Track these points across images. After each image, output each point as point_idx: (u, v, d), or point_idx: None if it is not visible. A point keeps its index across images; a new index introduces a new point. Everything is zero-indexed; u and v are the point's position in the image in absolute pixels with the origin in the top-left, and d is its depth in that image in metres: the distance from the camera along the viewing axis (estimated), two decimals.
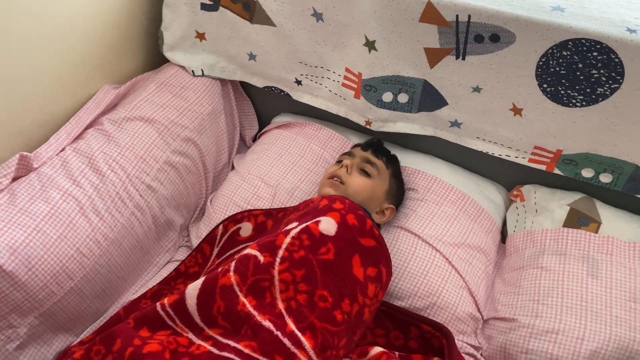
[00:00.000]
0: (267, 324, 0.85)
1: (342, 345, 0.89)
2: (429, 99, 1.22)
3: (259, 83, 1.40)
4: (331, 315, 0.89)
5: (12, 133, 1.08)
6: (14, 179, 1.05)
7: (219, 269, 0.93)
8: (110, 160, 1.13)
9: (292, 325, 0.86)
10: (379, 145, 1.25)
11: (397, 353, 0.98)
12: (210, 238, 1.21)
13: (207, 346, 0.86)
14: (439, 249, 1.14)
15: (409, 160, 1.32)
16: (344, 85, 1.28)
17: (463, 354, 1.03)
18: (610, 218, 1.13)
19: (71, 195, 1.06)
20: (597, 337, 0.96)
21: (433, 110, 1.24)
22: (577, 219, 1.14)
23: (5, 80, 1.03)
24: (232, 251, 1.16)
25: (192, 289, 0.91)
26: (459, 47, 1.10)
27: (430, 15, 1.08)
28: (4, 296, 0.93)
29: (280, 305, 0.89)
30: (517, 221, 1.24)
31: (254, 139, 1.53)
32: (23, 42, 1.04)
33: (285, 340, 0.84)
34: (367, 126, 1.31)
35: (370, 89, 1.24)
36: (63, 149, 1.13)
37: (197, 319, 0.90)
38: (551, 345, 0.98)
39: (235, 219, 1.21)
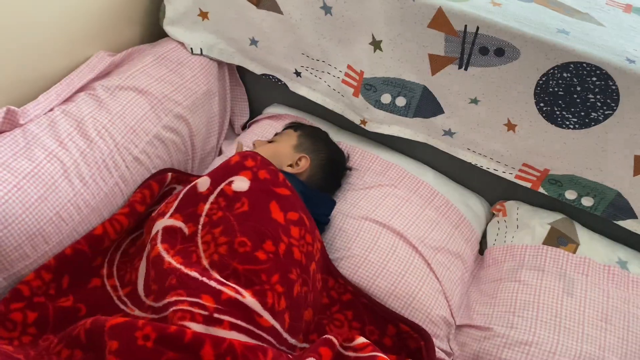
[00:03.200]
0: (193, 273, 0.89)
1: (275, 280, 0.92)
2: (426, 105, 1.23)
3: (257, 70, 1.39)
4: (253, 257, 0.93)
5: (1, 87, 1.04)
6: None
7: (147, 248, 1.00)
8: (100, 127, 1.10)
9: (216, 275, 0.90)
10: (292, 123, 1.33)
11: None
12: (160, 180, 1.17)
13: (147, 315, 0.91)
14: (420, 250, 1.15)
15: (396, 161, 1.33)
16: (344, 82, 1.28)
17: None
18: (588, 241, 1.17)
19: (56, 156, 1.02)
20: (569, 353, 0.99)
21: (428, 117, 1.25)
22: (557, 238, 1.17)
23: (1, 32, 0.99)
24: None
25: (140, 276, 0.99)
26: (463, 57, 1.12)
27: (440, 22, 1.09)
28: None
29: (205, 262, 0.93)
30: (497, 234, 1.26)
31: (243, 127, 1.51)
32: None
33: (212, 282, 0.88)
34: (362, 125, 1.31)
35: (370, 89, 1.24)
36: (52, 109, 1.09)
37: (142, 295, 0.96)
38: (524, 356, 1.00)
39: (179, 179, 1.22)
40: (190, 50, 1.33)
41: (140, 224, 1.13)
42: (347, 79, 1.28)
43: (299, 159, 1.21)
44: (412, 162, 1.35)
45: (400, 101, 1.25)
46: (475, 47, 1.09)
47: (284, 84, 1.38)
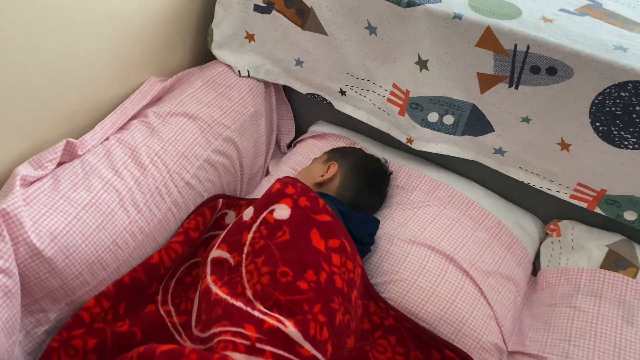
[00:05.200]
0: (238, 304, 0.91)
1: (316, 310, 0.92)
2: (475, 123, 1.21)
3: (302, 89, 1.40)
4: (294, 287, 0.93)
5: (61, 118, 1.09)
6: (59, 164, 1.06)
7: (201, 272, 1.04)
8: (153, 154, 1.14)
9: (259, 306, 0.91)
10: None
11: None
12: (212, 206, 1.21)
13: (196, 346, 0.93)
14: (471, 274, 1.13)
15: (445, 180, 1.31)
16: (389, 100, 1.27)
17: None
18: None
19: (112, 185, 1.06)
20: None
21: (478, 136, 1.23)
22: (616, 262, 1.12)
23: (60, 64, 1.04)
24: (215, 233, 1.21)
25: (194, 308, 1.03)
26: (514, 75, 1.09)
27: (488, 41, 1.07)
28: (40, 281, 0.94)
29: (249, 293, 0.94)
30: (551, 256, 1.22)
31: (289, 145, 1.53)
32: (79, 28, 1.05)
33: (255, 312, 0.89)
34: (408, 144, 1.30)
35: (416, 107, 1.23)
36: (107, 138, 1.14)
37: (193, 326, 1.00)
38: None
39: (229, 204, 1.25)
40: (237, 73, 1.36)
41: (194, 250, 1.16)
42: (392, 97, 1.27)
43: (328, 167, 1.23)
44: (461, 180, 1.32)
45: (448, 119, 1.23)
46: (525, 66, 1.06)
47: (329, 102, 1.38)
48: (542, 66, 1.05)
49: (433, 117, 1.23)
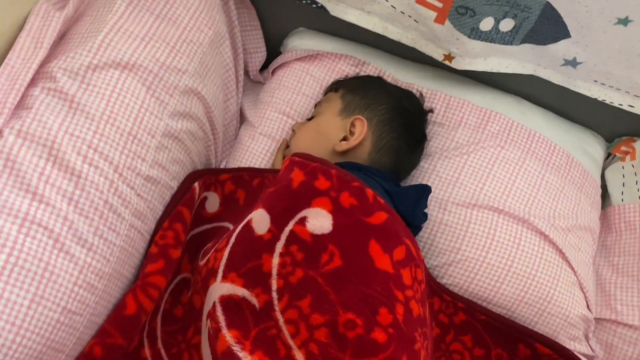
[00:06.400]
0: None
1: None
2: (544, 28, 0.85)
3: None
4: (369, 341, 0.63)
5: None
6: None
7: (207, 324, 0.68)
8: (84, 147, 0.70)
9: None
10: (332, 84, 0.96)
11: None
12: (189, 199, 0.83)
13: None
14: (550, 236, 0.88)
15: (495, 105, 0.98)
16: (420, 1, 0.87)
17: None
18: None
19: (34, 221, 0.64)
20: None
21: (545, 44, 0.88)
22: None
23: None
24: (198, 230, 0.85)
25: None
26: None
27: None
28: None
29: (299, 356, 0.63)
30: (623, 186, 0.99)
31: (261, 69, 1.09)
32: None
33: None
34: (447, 62, 0.93)
35: (465, 13, 0.84)
36: None
37: None
38: None
39: (206, 183, 0.87)
40: None
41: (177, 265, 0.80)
42: None
43: (352, 125, 0.85)
44: (512, 102, 1.00)
45: (507, 25, 0.86)
46: None
47: (321, 6, 0.94)
48: None
49: (487, 23, 0.86)
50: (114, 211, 0.71)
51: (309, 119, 0.91)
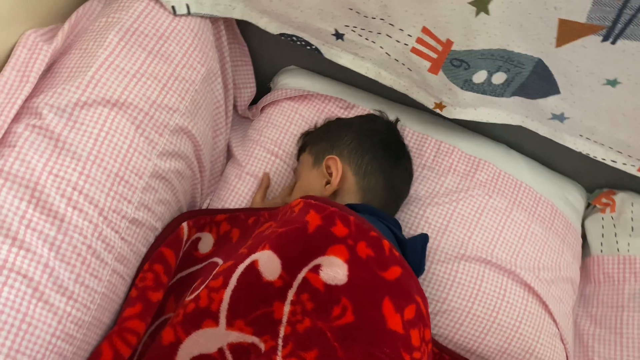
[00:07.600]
0: None
1: None
2: (535, 84, 0.87)
3: (273, 27, 0.93)
4: None
5: None
6: None
7: None
8: (69, 189, 0.67)
9: None
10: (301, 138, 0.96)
11: None
12: (174, 240, 0.80)
13: None
14: (534, 288, 0.89)
15: (482, 153, 0.99)
16: (415, 51, 0.87)
17: None
18: None
19: (14, 269, 0.61)
20: None
21: (535, 98, 0.90)
22: None
23: None
24: (188, 271, 0.81)
25: None
26: (615, 26, 0.74)
27: None
28: None
29: None
30: (602, 237, 1.01)
31: (250, 105, 1.08)
32: None
33: None
34: (437, 110, 0.93)
35: (459, 65, 0.85)
36: None
37: None
38: None
39: (199, 224, 0.85)
40: (171, 10, 0.84)
41: (161, 305, 0.77)
42: (420, 47, 0.86)
43: (327, 168, 0.83)
44: (499, 150, 1.01)
45: (499, 78, 0.87)
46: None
47: (316, 48, 0.94)
48: None
49: (480, 76, 0.87)
50: (97, 256, 0.68)
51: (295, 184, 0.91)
